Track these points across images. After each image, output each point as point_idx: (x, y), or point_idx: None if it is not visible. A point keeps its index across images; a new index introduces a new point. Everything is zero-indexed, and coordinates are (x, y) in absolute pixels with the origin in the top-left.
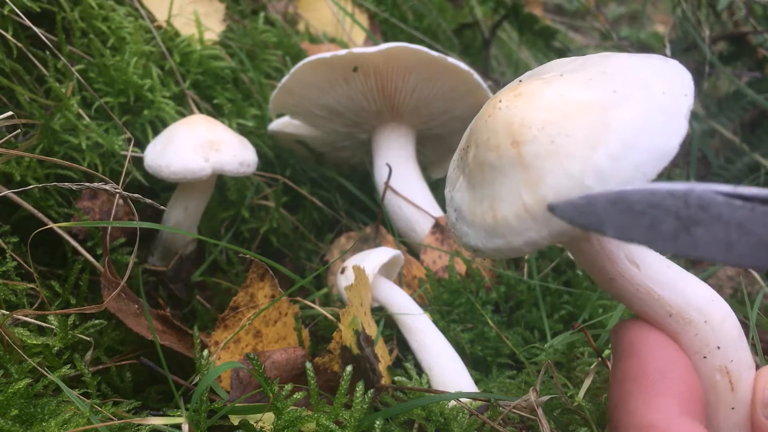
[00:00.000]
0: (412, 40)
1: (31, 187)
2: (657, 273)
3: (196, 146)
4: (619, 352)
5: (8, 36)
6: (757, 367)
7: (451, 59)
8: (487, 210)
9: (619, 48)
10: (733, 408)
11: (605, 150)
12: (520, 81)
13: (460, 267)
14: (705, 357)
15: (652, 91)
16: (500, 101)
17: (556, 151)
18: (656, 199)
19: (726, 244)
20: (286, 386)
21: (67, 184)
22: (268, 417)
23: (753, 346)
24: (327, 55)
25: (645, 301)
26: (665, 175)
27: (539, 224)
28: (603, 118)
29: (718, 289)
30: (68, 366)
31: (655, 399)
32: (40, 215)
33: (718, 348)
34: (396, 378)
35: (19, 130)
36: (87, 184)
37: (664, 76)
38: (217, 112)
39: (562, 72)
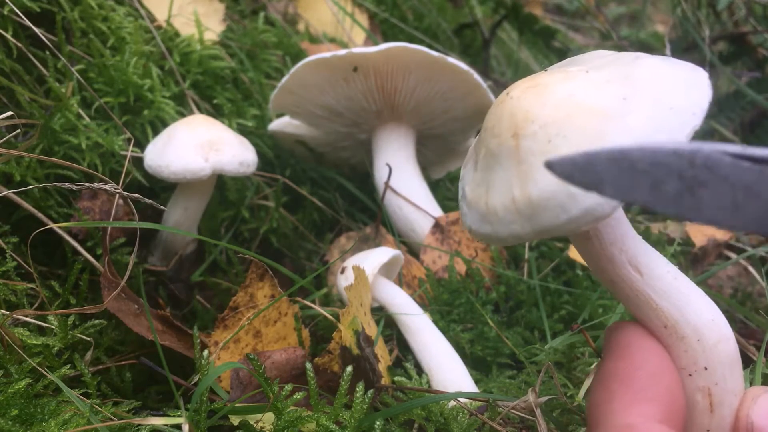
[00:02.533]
0: (412, 40)
1: (31, 187)
2: (660, 282)
3: (196, 146)
4: (612, 352)
5: (8, 36)
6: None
7: (450, 59)
8: (482, 195)
9: (619, 48)
10: (708, 431)
11: None
12: (546, 70)
13: (460, 267)
14: (690, 375)
15: (661, 104)
16: (514, 89)
17: (550, 151)
18: (660, 157)
19: (732, 208)
20: (286, 386)
21: (67, 184)
22: (268, 417)
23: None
24: (327, 55)
25: (642, 309)
26: None
27: (523, 219)
28: (603, 125)
29: (718, 289)
30: (68, 366)
31: (639, 403)
32: (40, 215)
33: (705, 369)
34: (396, 378)
35: (19, 130)
36: (87, 184)
37: (681, 90)
38: (217, 112)
39: (589, 68)
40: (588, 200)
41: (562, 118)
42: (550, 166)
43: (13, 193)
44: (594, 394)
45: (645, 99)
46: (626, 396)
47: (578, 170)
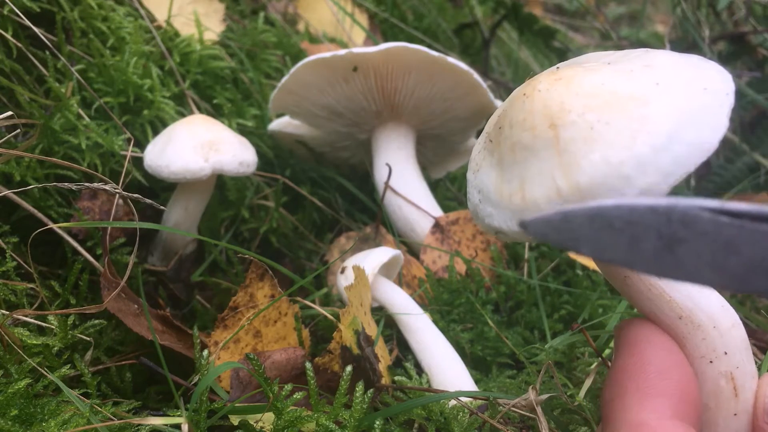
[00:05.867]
0: (412, 40)
1: (31, 187)
2: None
3: (196, 146)
4: (622, 349)
5: (8, 36)
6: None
7: (450, 59)
8: (516, 191)
9: (619, 48)
10: (735, 414)
11: (648, 140)
12: (558, 68)
13: (460, 267)
14: (711, 362)
15: (694, 87)
16: (540, 83)
17: (594, 138)
18: (636, 215)
19: (712, 265)
20: (286, 386)
21: (67, 184)
22: (268, 417)
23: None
24: (327, 55)
25: (655, 302)
26: None
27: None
28: (644, 109)
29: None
30: (68, 366)
31: (651, 398)
32: (40, 215)
33: (725, 354)
34: (396, 378)
35: (19, 130)
36: (87, 184)
37: (706, 74)
38: (216, 112)
39: (606, 61)
40: (643, 180)
41: (600, 105)
42: (525, 226)
43: (13, 193)
44: (606, 391)
45: (677, 83)
46: (637, 392)
47: (554, 230)
